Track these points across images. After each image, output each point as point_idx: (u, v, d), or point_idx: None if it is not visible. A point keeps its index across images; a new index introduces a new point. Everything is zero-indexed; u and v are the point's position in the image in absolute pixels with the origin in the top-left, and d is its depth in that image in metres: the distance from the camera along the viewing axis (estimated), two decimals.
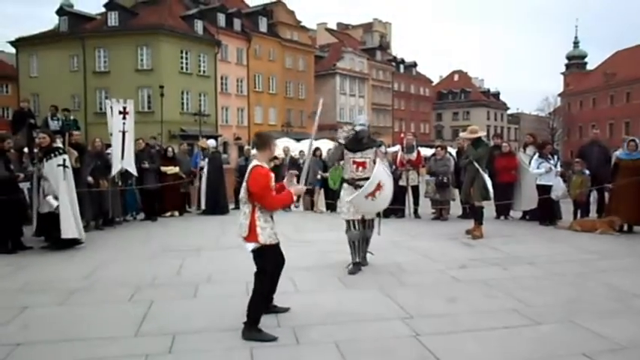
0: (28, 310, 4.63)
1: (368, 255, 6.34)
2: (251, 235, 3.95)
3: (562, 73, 75.75)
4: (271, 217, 4.07)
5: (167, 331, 4.06)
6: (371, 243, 6.36)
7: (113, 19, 38.85)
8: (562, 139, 65.74)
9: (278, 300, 4.54)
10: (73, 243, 7.52)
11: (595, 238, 8.32)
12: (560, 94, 70.51)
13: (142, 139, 11.63)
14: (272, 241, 4.01)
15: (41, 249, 7.49)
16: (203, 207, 12.04)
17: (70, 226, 7.34)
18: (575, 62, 75.08)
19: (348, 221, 6.04)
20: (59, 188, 7.34)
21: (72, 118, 13.83)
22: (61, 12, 40.62)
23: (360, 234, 6.05)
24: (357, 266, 5.98)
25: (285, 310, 4.49)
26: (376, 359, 3.59)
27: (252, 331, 3.90)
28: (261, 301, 4.07)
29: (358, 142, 6.07)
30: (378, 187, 5.57)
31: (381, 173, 5.65)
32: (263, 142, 4.13)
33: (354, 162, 6.04)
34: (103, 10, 39.77)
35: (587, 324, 4.13)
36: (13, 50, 43.07)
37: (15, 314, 4.50)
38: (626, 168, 8.82)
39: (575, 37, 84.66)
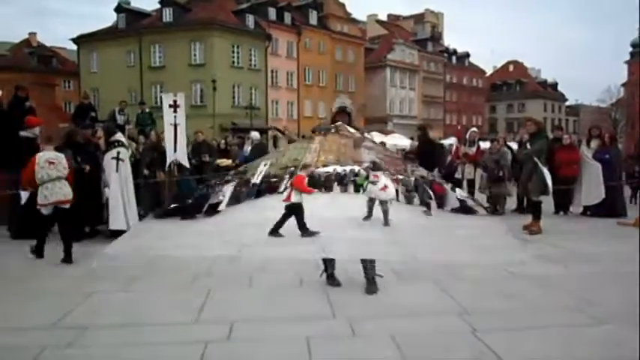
0: (94, 295, 4.88)
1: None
2: (287, 199, 6.27)
3: (626, 62, 71.86)
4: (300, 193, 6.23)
5: (225, 319, 4.17)
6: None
7: (168, 15, 39.98)
8: (625, 132, 62.52)
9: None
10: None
11: None
12: (623, 84, 66.93)
13: (202, 132, 11.91)
14: (299, 200, 6.19)
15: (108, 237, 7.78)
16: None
17: (118, 217, 7.55)
18: None
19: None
20: (111, 180, 7.66)
21: (147, 111, 14.29)
22: (118, 9, 42.07)
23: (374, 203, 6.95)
24: (367, 219, 6.77)
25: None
26: (434, 354, 3.56)
27: (304, 228, 5.97)
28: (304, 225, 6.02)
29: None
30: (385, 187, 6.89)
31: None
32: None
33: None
34: (158, 6, 40.96)
35: None
36: (74, 47, 44.85)
37: (82, 300, 4.73)
38: None
39: None
